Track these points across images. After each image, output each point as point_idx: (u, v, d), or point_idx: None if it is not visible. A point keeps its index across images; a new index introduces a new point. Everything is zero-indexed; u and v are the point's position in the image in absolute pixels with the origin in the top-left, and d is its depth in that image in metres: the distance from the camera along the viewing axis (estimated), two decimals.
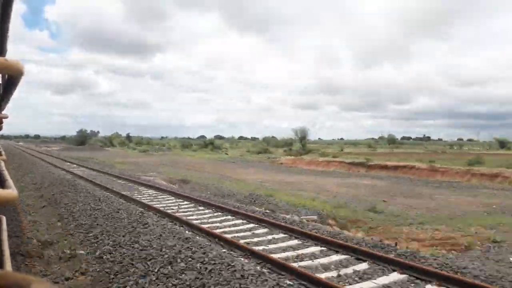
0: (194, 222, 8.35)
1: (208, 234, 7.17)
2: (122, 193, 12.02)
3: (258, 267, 5.42)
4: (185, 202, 11.23)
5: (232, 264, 5.24)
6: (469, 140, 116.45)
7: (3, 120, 2.99)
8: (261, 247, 6.53)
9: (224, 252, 6.07)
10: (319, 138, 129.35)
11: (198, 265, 5.33)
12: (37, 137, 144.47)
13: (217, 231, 7.51)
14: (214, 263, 5.32)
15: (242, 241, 6.76)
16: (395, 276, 5.30)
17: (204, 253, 5.75)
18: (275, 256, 5.91)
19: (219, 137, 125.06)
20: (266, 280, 4.76)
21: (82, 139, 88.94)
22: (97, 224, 7.99)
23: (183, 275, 5.07)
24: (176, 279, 4.95)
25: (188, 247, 6.10)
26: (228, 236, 7.09)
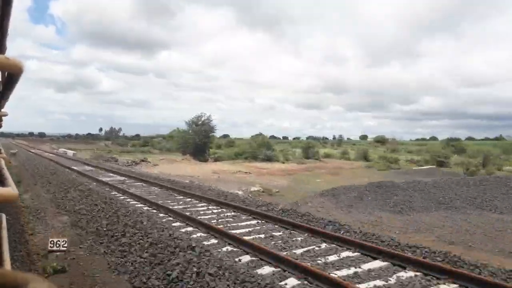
0: None
1: None
2: None
3: None
4: None
5: None
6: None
7: (3, 118, 3.00)
8: None
9: None
10: (348, 138, 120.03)
11: None
12: (42, 135, 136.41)
13: None
14: None
15: None
16: None
17: None
18: None
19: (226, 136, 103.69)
20: None
21: (205, 141, 49.32)
22: None
23: None
24: None
25: None
26: None
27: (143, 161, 31.90)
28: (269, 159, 42.87)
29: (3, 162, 2.87)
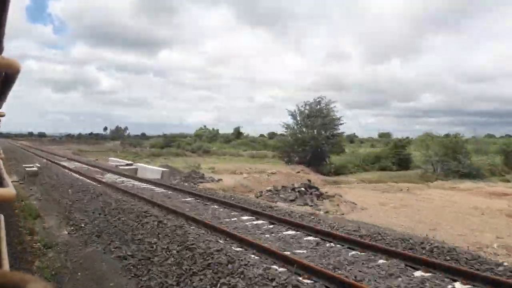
0: None
1: None
2: None
3: None
4: None
5: None
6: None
7: (1, 118, 2.99)
8: None
9: None
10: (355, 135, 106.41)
11: None
12: (42, 135, 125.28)
13: None
14: None
15: None
16: None
17: None
18: None
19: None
20: None
21: (332, 142, 34.10)
22: None
23: None
24: None
25: None
26: None
27: (311, 188, 16.80)
28: (473, 175, 26.68)
29: (1, 162, 2.87)
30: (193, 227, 8.17)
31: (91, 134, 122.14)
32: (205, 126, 79.73)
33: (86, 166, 23.28)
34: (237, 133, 71.56)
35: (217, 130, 76.36)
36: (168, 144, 65.70)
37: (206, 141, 68.87)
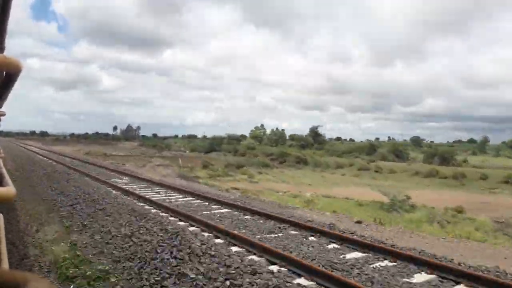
0: None
1: None
2: None
3: None
4: None
5: None
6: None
7: (1, 117, 2.99)
8: None
9: None
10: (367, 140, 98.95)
11: None
12: (44, 134, 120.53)
13: None
14: None
15: None
16: None
17: None
18: None
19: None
20: None
21: None
22: None
23: None
24: None
25: None
26: None
27: None
28: None
29: (1, 161, 2.87)
30: None
31: (98, 133, 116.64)
32: (262, 125, 70.59)
33: None
34: (315, 135, 58.58)
35: (283, 130, 65.17)
36: (214, 147, 54.49)
37: (268, 144, 57.91)
